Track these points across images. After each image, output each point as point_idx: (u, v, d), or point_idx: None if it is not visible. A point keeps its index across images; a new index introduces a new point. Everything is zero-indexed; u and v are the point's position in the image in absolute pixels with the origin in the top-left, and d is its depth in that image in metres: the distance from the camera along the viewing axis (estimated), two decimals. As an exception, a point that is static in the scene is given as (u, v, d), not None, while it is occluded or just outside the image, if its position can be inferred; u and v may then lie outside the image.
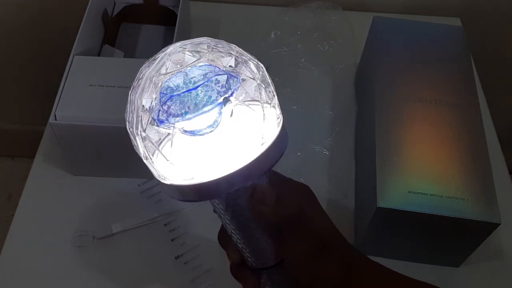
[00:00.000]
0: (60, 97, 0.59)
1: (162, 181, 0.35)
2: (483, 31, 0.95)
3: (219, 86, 0.32)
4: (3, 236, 0.61)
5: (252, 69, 0.34)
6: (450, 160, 0.55)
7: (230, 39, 0.96)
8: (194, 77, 0.33)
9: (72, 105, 0.59)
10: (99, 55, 0.75)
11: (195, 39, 0.35)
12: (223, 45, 0.35)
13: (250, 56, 0.35)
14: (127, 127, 0.35)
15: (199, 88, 0.32)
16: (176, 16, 0.71)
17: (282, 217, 0.35)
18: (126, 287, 0.58)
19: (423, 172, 0.54)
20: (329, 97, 0.78)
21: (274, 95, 0.35)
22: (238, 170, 0.32)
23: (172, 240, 0.62)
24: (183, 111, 0.32)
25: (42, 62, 1.06)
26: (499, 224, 0.51)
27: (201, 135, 0.32)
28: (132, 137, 0.35)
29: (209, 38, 0.35)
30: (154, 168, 0.35)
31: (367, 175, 0.60)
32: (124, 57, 0.75)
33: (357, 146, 0.71)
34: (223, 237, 0.40)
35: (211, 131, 0.32)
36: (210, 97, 0.32)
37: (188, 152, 0.33)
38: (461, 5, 0.92)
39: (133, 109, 0.34)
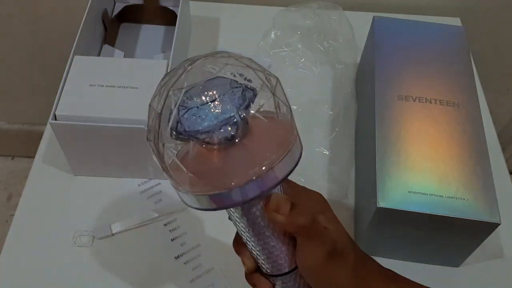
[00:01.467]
0: (60, 97, 0.59)
1: (180, 190, 0.36)
2: (483, 31, 0.95)
3: (235, 99, 0.34)
4: (3, 236, 0.61)
5: (267, 81, 0.35)
6: (450, 160, 0.55)
7: (230, 39, 0.97)
8: (212, 89, 0.34)
9: (72, 105, 0.59)
10: (99, 55, 0.75)
11: (213, 52, 0.37)
12: (239, 58, 0.36)
13: (265, 69, 0.36)
14: (151, 144, 0.36)
15: (216, 100, 0.33)
16: (176, 16, 0.71)
17: (296, 226, 0.36)
18: (126, 287, 0.58)
19: (423, 172, 0.54)
20: (329, 97, 0.78)
21: (288, 106, 0.36)
22: (254, 180, 0.33)
23: (172, 240, 0.62)
24: (201, 123, 0.33)
25: (42, 62, 1.06)
26: (499, 224, 0.51)
27: (218, 146, 0.34)
28: (151, 148, 0.35)
29: (226, 51, 0.36)
30: (173, 178, 0.35)
31: (367, 175, 0.60)
32: (124, 57, 0.76)
33: (357, 146, 0.71)
34: (238, 244, 0.41)
35: (228, 142, 0.34)
36: (226, 109, 0.33)
37: (205, 162, 0.34)
38: (461, 5, 0.92)
39: (152, 121, 0.35)
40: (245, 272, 0.41)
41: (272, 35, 0.83)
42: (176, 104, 0.34)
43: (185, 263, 0.60)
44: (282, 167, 0.34)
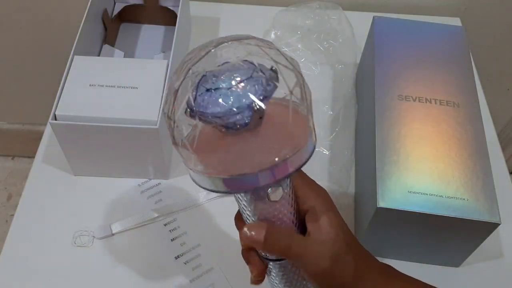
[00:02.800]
0: (60, 97, 0.59)
1: (194, 171, 0.36)
2: (483, 31, 0.95)
3: (256, 85, 0.33)
4: (3, 236, 0.61)
5: (289, 71, 0.35)
6: (450, 160, 0.55)
7: (230, 39, 0.94)
8: (233, 73, 0.33)
9: (72, 105, 0.59)
10: (99, 55, 0.75)
11: (240, 35, 0.36)
12: (266, 46, 0.35)
13: (288, 58, 0.36)
14: (165, 117, 0.36)
15: (237, 85, 0.33)
16: (176, 16, 0.71)
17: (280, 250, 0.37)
18: (126, 287, 0.58)
19: (423, 172, 0.54)
20: (329, 97, 0.78)
21: (307, 99, 0.36)
22: (267, 168, 0.33)
23: (172, 240, 0.62)
24: (219, 105, 0.33)
25: (42, 62, 1.06)
26: (499, 224, 0.51)
27: (235, 130, 0.34)
28: (168, 127, 0.35)
29: (254, 37, 0.36)
30: (189, 159, 0.35)
31: (367, 175, 0.60)
32: (124, 57, 0.76)
33: (357, 146, 0.71)
34: (240, 220, 0.41)
35: (245, 128, 0.33)
36: (246, 95, 0.33)
37: (221, 146, 0.34)
38: (461, 5, 0.92)
39: (171, 100, 0.35)
40: (242, 248, 0.42)
41: (272, 35, 0.83)
42: (196, 84, 0.33)
43: (185, 263, 0.60)
44: (296, 159, 0.34)
